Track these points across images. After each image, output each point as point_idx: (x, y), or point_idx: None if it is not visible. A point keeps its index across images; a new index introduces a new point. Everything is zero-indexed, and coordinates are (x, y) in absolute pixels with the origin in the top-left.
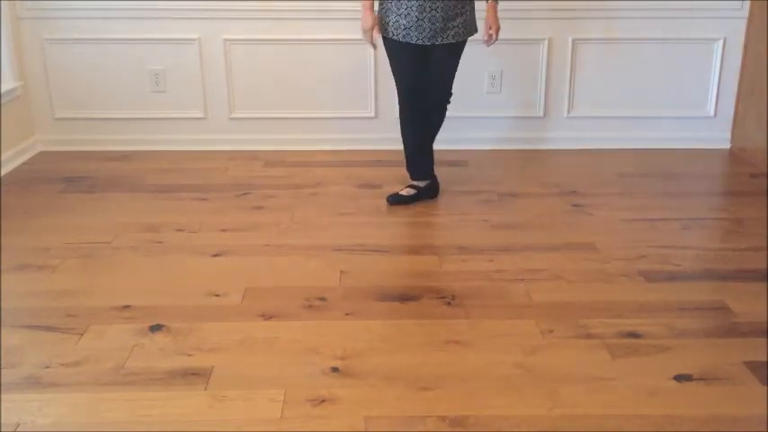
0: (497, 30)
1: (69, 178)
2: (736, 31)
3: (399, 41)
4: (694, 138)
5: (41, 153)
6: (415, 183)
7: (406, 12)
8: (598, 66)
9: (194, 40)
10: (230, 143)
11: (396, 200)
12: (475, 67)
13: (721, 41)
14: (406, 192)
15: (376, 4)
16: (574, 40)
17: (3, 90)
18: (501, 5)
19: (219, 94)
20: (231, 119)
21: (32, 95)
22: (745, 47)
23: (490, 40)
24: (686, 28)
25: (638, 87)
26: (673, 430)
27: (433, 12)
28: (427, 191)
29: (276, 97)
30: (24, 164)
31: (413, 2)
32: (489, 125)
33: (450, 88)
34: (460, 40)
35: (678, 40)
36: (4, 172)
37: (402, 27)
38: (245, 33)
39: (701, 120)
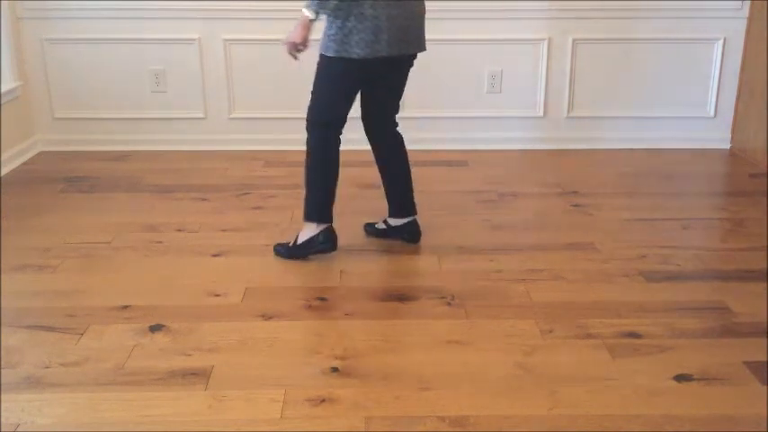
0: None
1: (69, 178)
2: (736, 31)
3: (366, 59)
4: (694, 138)
5: (41, 153)
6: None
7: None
8: (598, 66)
9: (194, 40)
10: (230, 143)
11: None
12: (475, 67)
13: (721, 41)
14: (381, 224)
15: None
16: (574, 40)
17: (3, 90)
18: (501, 5)
19: (219, 94)
20: (231, 119)
21: (32, 95)
22: (745, 47)
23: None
24: (686, 28)
25: (638, 87)
26: (673, 430)
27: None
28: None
29: (276, 97)
30: (24, 164)
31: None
32: (489, 125)
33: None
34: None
35: (678, 40)
36: (4, 172)
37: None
38: (245, 33)
39: (701, 120)
